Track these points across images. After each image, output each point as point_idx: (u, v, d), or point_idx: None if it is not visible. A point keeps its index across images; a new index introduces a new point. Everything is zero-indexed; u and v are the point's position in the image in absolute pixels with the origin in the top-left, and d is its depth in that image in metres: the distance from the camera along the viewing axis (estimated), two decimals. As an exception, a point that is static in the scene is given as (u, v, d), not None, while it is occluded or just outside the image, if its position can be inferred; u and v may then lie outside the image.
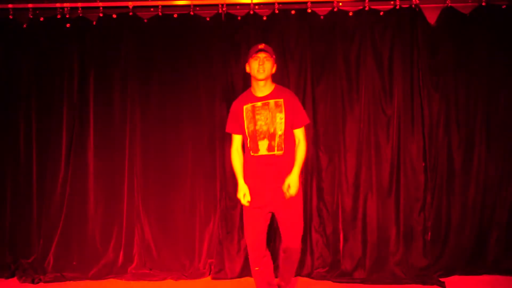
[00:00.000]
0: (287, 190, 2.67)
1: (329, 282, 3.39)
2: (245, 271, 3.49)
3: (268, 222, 2.85)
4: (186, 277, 3.50)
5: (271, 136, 2.73)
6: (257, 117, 2.75)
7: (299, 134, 2.80)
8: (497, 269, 3.44)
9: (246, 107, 2.79)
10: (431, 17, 3.47)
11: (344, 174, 3.50)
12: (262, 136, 2.74)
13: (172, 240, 3.59)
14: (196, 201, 3.59)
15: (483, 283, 3.34)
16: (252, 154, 2.78)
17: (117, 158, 3.58)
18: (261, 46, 2.74)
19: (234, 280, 3.47)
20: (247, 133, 2.78)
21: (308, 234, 3.48)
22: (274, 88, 2.81)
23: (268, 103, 2.75)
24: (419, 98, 3.46)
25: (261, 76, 2.71)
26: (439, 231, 3.48)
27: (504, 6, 3.44)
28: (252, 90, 2.84)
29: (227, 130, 2.92)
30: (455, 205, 3.48)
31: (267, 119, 2.74)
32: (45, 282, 3.45)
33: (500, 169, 3.47)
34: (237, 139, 2.88)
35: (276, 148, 2.73)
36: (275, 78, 2.91)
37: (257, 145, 2.75)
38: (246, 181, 2.81)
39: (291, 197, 2.70)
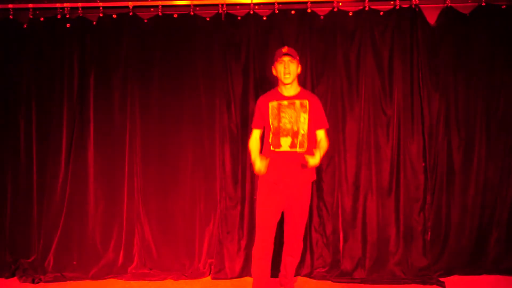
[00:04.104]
0: (308, 159, 2.68)
1: (329, 282, 3.39)
2: (245, 271, 3.49)
3: (279, 216, 2.92)
4: (186, 277, 3.50)
5: (294, 134, 2.84)
6: (282, 114, 2.86)
7: (322, 134, 2.95)
8: (497, 269, 3.44)
9: (272, 104, 2.90)
10: (431, 17, 3.47)
11: (344, 174, 3.50)
12: (285, 133, 2.85)
13: (172, 240, 3.59)
14: (196, 201, 3.59)
15: (483, 283, 3.34)
16: (272, 149, 2.87)
17: (117, 158, 3.58)
18: (285, 50, 2.84)
19: (234, 280, 3.47)
20: (271, 129, 2.88)
21: (308, 234, 3.48)
22: (300, 91, 2.95)
23: (294, 102, 2.87)
24: (419, 98, 3.46)
25: (287, 81, 2.85)
26: (439, 231, 3.49)
27: (504, 6, 3.44)
28: (279, 89, 2.96)
29: (253, 126, 3.02)
30: (455, 205, 3.49)
31: (291, 117, 2.85)
32: (45, 282, 3.45)
33: (500, 169, 3.47)
34: (256, 133, 3.00)
35: (298, 145, 2.83)
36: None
37: (279, 141, 2.85)
38: (265, 174, 2.82)
39: (303, 196, 2.88)
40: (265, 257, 2.86)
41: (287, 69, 2.82)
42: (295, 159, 2.82)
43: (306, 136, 2.84)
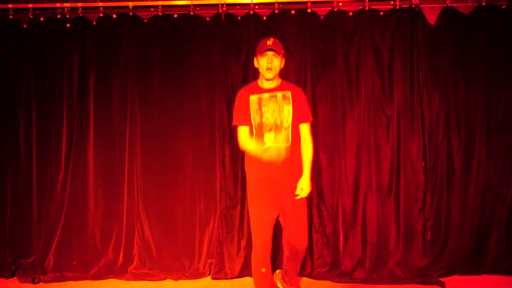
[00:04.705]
0: (300, 193, 2.69)
1: (329, 282, 3.40)
2: (245, 271, 3.49)
3: (275, 219, 2.80)
4: (186, 277, 3.50)
5: (277, 128, 2.70)
6: (264, 109, 2.71)
7: (305, 130, 2.79)
8: (497, 269, 3.44)
9: (252, 98, 2.74)
10: (431, 17, 3.47)
11: (344, 174, 3.50)
12: (268, 128, 2.70)
13: (172, 240, 3.59)
14: (196, 201, 3.59)
15: (483, 283, 3.34)
16: None
17: (117, 158, 3.58)
18: (270, 42, 2.67)
19: (234, 280, 3.48)
20: (253, 125, 2.73)
21: (308, 234, 3.46)
22: (281, 83, 2.81)
23: (276, 95, 2.73)
24: (419, 98, 3.46)
25: (269, 76, 2.70)
26: (439, 231, 3.49)
27: (504, 6, 3.44)
28: (259, 82, 2.81)
29: (234, 123, 2.82)
30: (455, 205, 3.49)
31: (274, 111, 2.70)
32: (45, 282, 3.45)
33: (500, 169, 3.47)
34: (245, 130, 2.77)
35: (282, 140, 2.69)
36: (279, 74, 2.84)
37: (263, 138, 2.70)
38: (253, 175, 2.78)
39: (295, 194, 2.72)
40: (265, 262, 2.79)
41: (270, 65, 2.65)
42: (279, 155, 2.63)
43: (290, 130, 2.70)
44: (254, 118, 2.73)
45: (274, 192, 2.75)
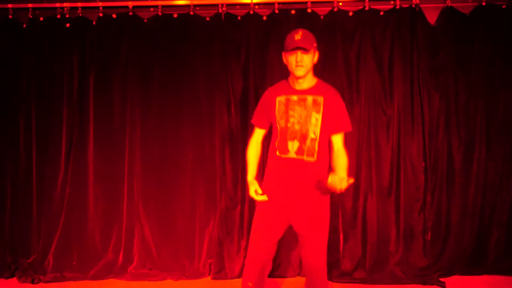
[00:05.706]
0: (340, 182, 2.16)
1: (329, 282, 3.39)
2: (245, 271, 3.49)
3: (282, 234, 2.56)
4: (186, 277, 3.50)
5: (302, 138, 2.39)
6: (291, 112, 2.39)
7: (338, 141, 2.45)
8: (497, 269, 3.44)
9: (280, 99, 2.43)
10: (431, 17, 3.46)
11: (344, 174, 3.50)
12: (292, 136, 2.40)
13: (172, 240, 3.59)
14: (196, 201, 3.59)
15: (483, 283, 3.34)
16: (279, 154, 2.45)
17: (117, 158, 3.57)
18: (298, 37, 2.34)
19: (234, 280, 3.47)
20: (278, 130, 2.45)
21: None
22: (316, 83, 2.46)
23: (305, 98, 2.38)
24: (419, 98, 3.45)
25: (300, 73, 2.37)
26: (439, 231, 3.48)
27: (504, 6, 3.43)
28: (290, 80, 2.49)
29: (253, 121, 2.65)
30: (455, 205, 3.48)
31: (300, 117, 2.38)
32: (45, 282, 3.45)
33: (500, 169, 3.46)
34: (259, 133, 2.59)
35: (306, 152, 2.38)
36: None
37: (287, 146, 2.41)
38: (268, 182, 2.51)
39: (316, 209, 2.44)
40: (261, 273, 2.58)
41: (300, 62, 2.34)
42: (302, 170, 2.39)
43: (317, 142, 2.37)
44: (279, 122, 2.43)
45: (286, 207, 2.45)
